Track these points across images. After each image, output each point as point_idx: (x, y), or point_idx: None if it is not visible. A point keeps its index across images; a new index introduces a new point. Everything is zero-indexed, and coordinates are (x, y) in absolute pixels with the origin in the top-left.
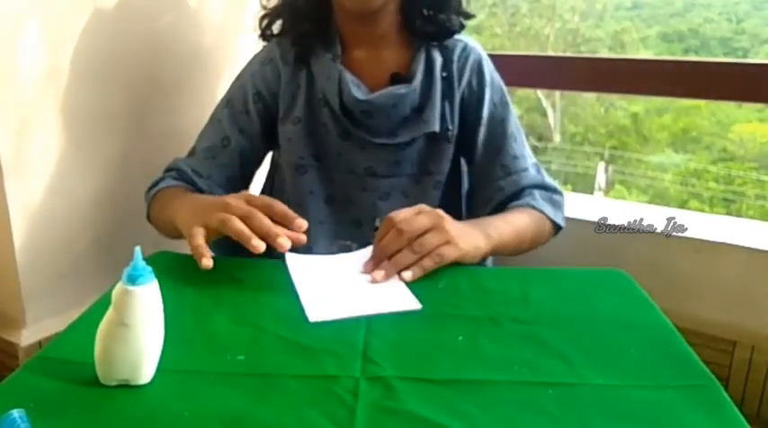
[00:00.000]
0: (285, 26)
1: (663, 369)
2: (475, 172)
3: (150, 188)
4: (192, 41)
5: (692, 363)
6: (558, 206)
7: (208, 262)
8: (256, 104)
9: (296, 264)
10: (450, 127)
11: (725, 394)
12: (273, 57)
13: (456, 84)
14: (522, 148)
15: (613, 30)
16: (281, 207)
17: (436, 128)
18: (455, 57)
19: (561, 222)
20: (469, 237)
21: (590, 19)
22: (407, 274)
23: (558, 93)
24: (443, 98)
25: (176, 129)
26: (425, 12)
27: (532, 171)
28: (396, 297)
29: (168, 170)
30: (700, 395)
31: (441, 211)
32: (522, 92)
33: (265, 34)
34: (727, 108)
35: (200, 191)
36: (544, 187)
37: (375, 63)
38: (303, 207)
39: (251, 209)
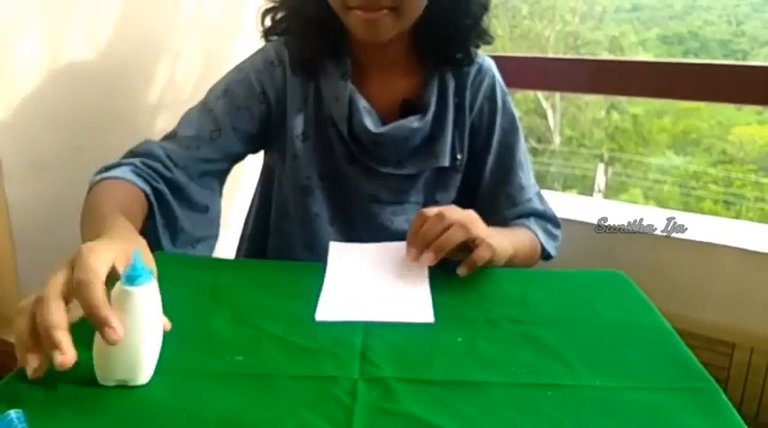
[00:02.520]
0: (292, 34)
1: (661, 371)
2: (479, 198)
3: (101, 170)
4: (192, 41)
5: (691, 365)
6: (551, 236)
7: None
8: (261, 104)
9: (337, 254)
10: (459, 156)
11: (724, 396)
12: (283, 61)
13: (468, 110)
14: (528, 177)
15: (612, 32)
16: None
17: (446, 163)
18: (468, 83)
19: (552, 251)
20: (499, 238)
21: (590, 21)
22: (463, 270)
23: (558, 95)
24: (454, 126)
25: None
26: (439, 46)
27: (536, 200)
28: (413, 306)
29: (135, 154)
30: (698, 397)
31: (472, 211)
32: (522, 93)
33: (267, 33)
34: (727, 110)
35: (167, 180)
36: (544, 216)
37: (385, 86)
38: (307, 228)
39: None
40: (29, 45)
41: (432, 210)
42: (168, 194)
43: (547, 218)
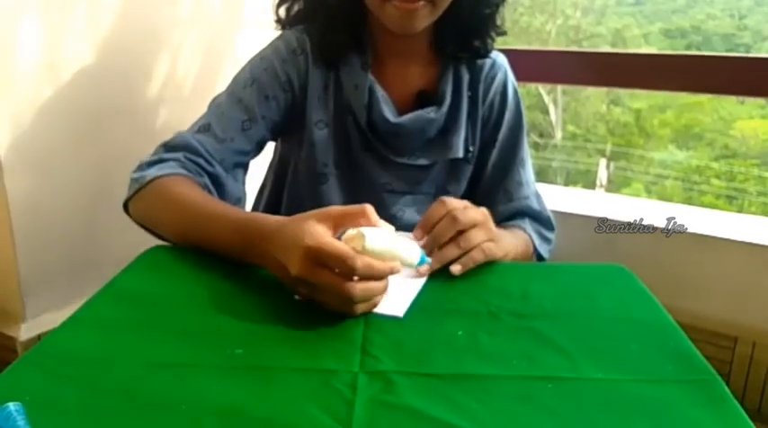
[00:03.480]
0: (316, 27)
1: (664, 363)
2: (477, 191)
3: (143, 167)
4: (192, 36)
5: (694, 358)
6: (545, 240)
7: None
8: (286, 93)
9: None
10: (472, 148)
11: (727, 389)
12: (305, 49)
13: (480, 103)
14: (528, 175)
15: (614, 26)
16: (371, 270)
17: (460, 154)
18: (482, 77)
19: (545, 254)
20: (506, 239)
21: (591, 15)
22: (456, 268)
23: (560, 90)
24: (468, 118)
25: (176, 124)
26: (460, 35)
27: (533, 199)
28: (392, 300)
29: (174, 148)
30: (701, 390)
31: (485, 210)
32: (524, 88)
33: (286, 25)
34: (730, 105)
35: (209, 175)
36: (539, 218)
37: (403, 77)
38: None
39: (341, 291)
40: (28, 41)
41: (449, 204)
42: (212, 188)
43: (542, 220)
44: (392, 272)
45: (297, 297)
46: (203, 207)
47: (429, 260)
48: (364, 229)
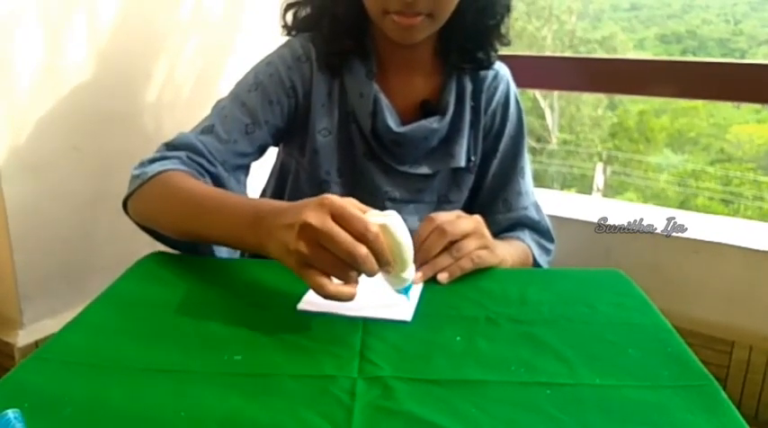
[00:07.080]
0: (321, 34)
1: (661, 369)
2: (477, 200)
3: (144, 163)
4: (191, 40)
5: (691, 364)
6: (544, 250)
7: (352, 291)
8: (290, 99)
9: None
10: (473, 157)
11: (724, 394)
12: (310, 57)
13: (482, 113)
14: (527, 185)
15: (607, 33)
16: (379, 245)
17: (462, 163)
18: (485, 87)
19: (544, 265)
20: (503, 248)
21: (587, 20)
22: (443, 276)
23: (555, 95)
24: (470, 128)
25: (175, 129)
26: (464, 46)
27: (532, 209)
28: (395, 305)
29: (176, 147)
30: (698, 395)
31: (479, 217)
32: (520, 92)
33: (292, 30)
34: (725, 109)
35: (211, 175)
36: (538, 229)
37: (406, 86)
38: None
39: (348, 246)
40: (26, 45)
41: (437, 219)
42: None
43: (541, 231)
44: (387, 267)
45: (298, 306)
46: (210, 193)
47: (410, 297)
48: (392, 213)
